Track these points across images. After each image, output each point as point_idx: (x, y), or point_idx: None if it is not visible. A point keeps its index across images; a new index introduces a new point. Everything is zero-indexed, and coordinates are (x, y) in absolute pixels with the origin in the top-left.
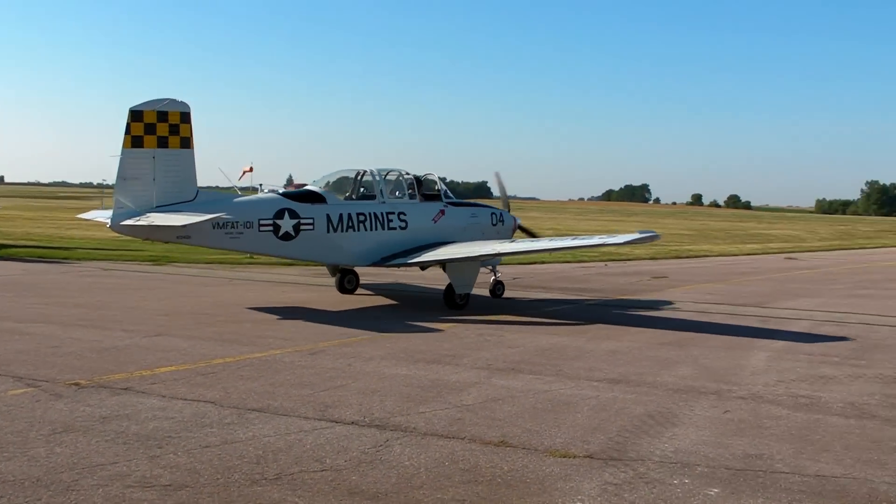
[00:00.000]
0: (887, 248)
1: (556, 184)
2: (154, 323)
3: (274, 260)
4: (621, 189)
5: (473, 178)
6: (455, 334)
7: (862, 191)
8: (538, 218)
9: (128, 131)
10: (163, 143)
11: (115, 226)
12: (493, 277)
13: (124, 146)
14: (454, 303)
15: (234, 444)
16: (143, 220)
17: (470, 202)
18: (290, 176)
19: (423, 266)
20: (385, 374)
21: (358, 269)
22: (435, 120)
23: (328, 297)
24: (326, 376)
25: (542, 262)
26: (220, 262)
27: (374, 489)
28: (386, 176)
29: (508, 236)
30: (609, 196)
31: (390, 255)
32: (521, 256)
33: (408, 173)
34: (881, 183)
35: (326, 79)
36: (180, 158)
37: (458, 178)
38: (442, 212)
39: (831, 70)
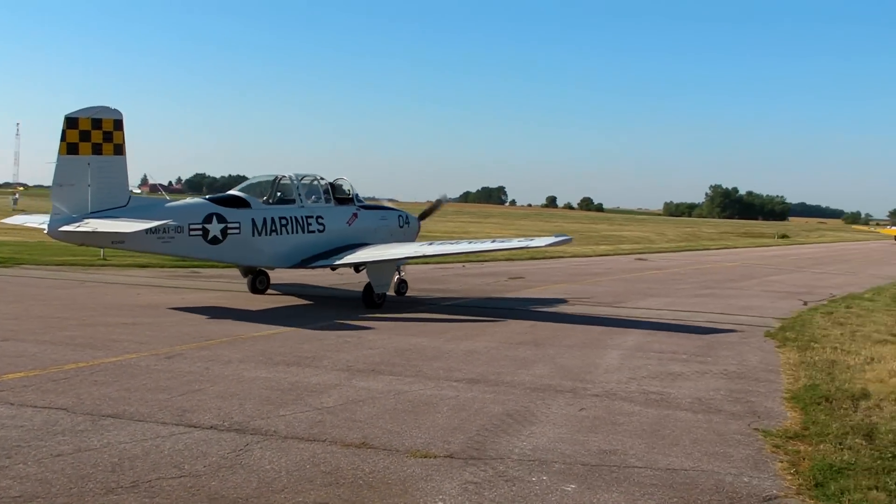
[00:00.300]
0: (729, 249)
1: (414, 185)
2: (1, 327)
3: (128, 261)
4: (478, 191)
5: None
6: (314, 336)
7: (706, 194)
8: None
9: (63, 138)
10: (97, 149)
11: (53, 232)
12: (398, 276)
13: (60, 153)
14: (373, 302)
15: (87, 451)
16: (84, 227)
17: (379, 206)
18: (146, 175)
19: (335, 267)
20: (244, 377)
21: (280, 272)
22: (279, 119)
23: (191, 297)
24: (184, 380)
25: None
26: (71, 264)
27: (235, 494)
28: (302, 180)
29: (413, 238)
30: (466, 198)
31: (310, 256)
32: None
33: (322, 178)
34: (724, 187)
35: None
36: (114, 165)
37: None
38: (355, 215)
39: (678, 79)
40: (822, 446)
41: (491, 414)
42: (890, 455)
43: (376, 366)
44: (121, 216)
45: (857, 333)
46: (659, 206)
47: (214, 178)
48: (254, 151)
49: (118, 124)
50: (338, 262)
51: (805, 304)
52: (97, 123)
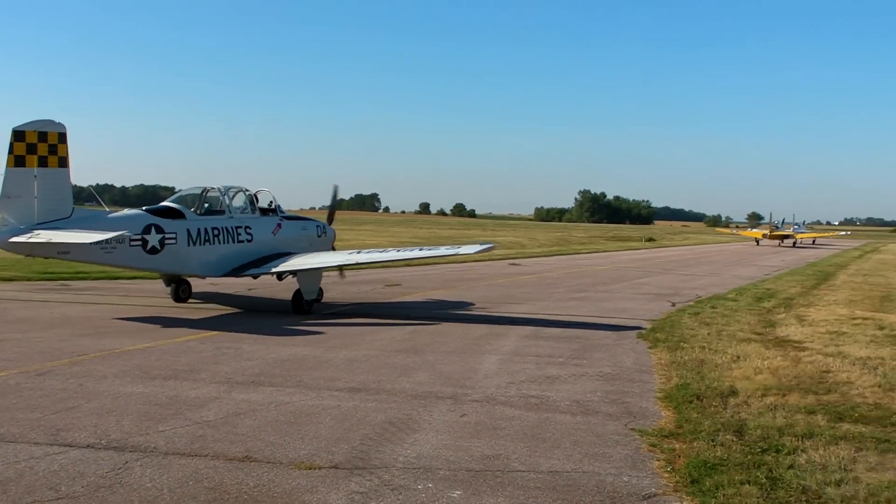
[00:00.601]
0: (599, 252)
1: (287, 193)
2: None
3: None
4: (352, 198)
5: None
6: (191, 348)
7: (575, 199)
8: None
9: (10, 150)
10: (42, 162)
11: (3, 242)
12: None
13: (8, 165)
14: (301, 308)
15: None
16: (36, 238)
17: (298, 216)
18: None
19: (257, 276)
20: (120, 392)
21: (205, 280)
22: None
23: (62, 311)
24: (57, 398)
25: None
26: None
27: None
28: (229, 192)
29: (329, 247)
30: (340, 205)
31: (240, 266)
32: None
33: (248, 189)
34: (592, 192)
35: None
36: (59, 177)
37: (177, 184)
38: (279, 225)
39: (547, 85)
40: (695, 444)
41: (374, 422)
42: (759, 450)
43: (256, 377)
44: (66, 227)
45: (722, 333)
46: (530, 212)
47: (124, 188)
48: (156, 160)
49: (62, 137)
50: (274, 270)
51: (673, 305)
52: (43, 136)
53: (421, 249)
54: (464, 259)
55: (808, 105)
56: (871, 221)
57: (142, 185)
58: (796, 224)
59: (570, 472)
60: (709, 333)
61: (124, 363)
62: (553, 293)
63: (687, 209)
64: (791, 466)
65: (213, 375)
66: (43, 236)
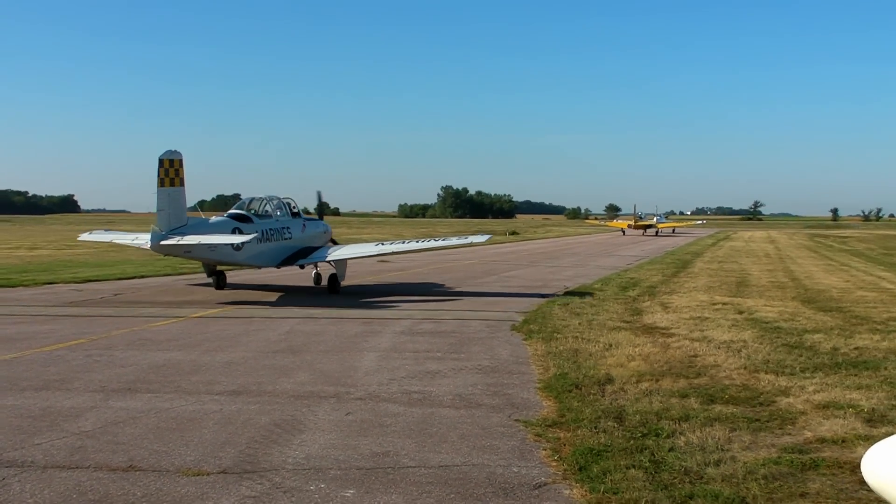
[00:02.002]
0: (464, 248)
1: (146, 196)
2: None
3: None
4: (214, 199)
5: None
6: (61, 357)
7: (438, 195)
8: (132, 231)
9: (158, 175)
10: (172, 182)
11: (156, 246)
12: (316, 270)
13: (158, 186)
14: (335, 289)
15: None
16: (185, 241)
17: (311, 217)
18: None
19: (304, 265)
20: None
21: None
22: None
23: None
24: None
25: (142, 277)
26: None
27: None
28: (272, 200)
29: (328, 241)
30: (202, 206)
31: (285, 258)
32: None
33: (283, 197)
34: (454, 187)
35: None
36: (180, 194)
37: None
38: (304, 225)
39: (405, 82)
40: (579, 431)
41: (259, 425)
42: (640, 434)
43: (132, 384)
44: (191, 232)
45: (593, 322)
46: (394, 209)
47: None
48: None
49: (180, 163)
50: (328, 259)
51: (543, 297)
52: (171, 163)
53: (436, 240)
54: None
55: (659, 101)
56: (720, 211)
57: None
58: (657, 215)
59: (459, 466)
60: (580, 324)
61: None
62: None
63: (547, 202)
64: (671, 449)
65: (87, 384)
66: (196, 240)
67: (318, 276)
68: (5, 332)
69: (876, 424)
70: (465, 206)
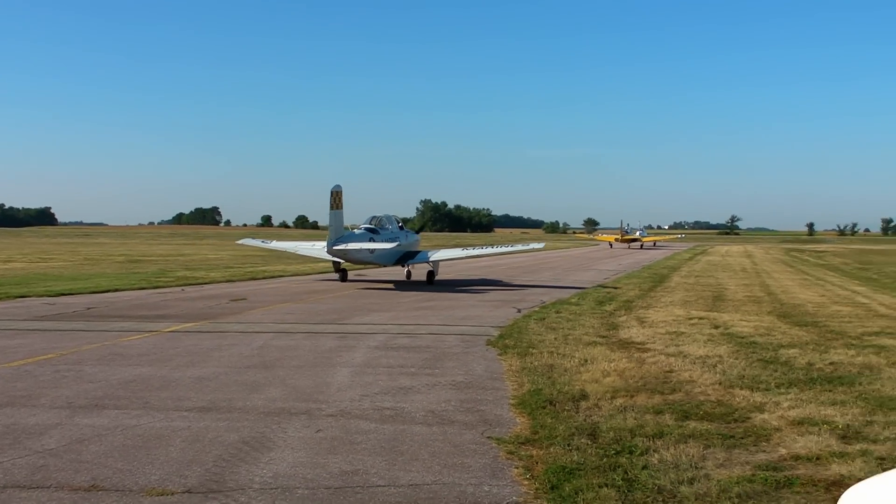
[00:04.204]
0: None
1: (123, 208)
2: None
3: None
4: (192, 212)
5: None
6: (29, 372)
7: (417, 209)
8: (108, 244)
9: (329, 202)
10: (337, 206)
11: (329, 250)
12: (408, 269)
13: (330, 209)
14: (432, 281)
15: None
16: (352, 245)
17: (405, 229)
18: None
19: (413, 265)
20: None
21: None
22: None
23: None
24: None
25: (117, 290)
26: None
27: None
28: (385, 216)
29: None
30: (180, 219)
31: (398, 258)
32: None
33: (391, 215)
34: (433, 201)
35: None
36: (341, 214)
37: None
38: (407, 235)
39: (382, 98)
40: (552, 449)
41: (227, 443)
42: (613, 452)
43: (100, 400)
44: (351, 240)
45: (569, 337)
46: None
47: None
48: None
49: (341, 193)
50: (431, 259)
51: (519, 311)
52: (337, 193)
53: (507, 246)
54: (309, 272)
55: (635, 117)
56: (698, 225)
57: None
58: (640, 229)
59: (430, 485)
60: (555, 338)
61: None
62: (400, 303)
63: (526, 216)
64: (645, 467)
65: (54, 400)
66: (354, 246)
67: (409, 273)
68: None
69: (851, 441)
70: (443, 219)
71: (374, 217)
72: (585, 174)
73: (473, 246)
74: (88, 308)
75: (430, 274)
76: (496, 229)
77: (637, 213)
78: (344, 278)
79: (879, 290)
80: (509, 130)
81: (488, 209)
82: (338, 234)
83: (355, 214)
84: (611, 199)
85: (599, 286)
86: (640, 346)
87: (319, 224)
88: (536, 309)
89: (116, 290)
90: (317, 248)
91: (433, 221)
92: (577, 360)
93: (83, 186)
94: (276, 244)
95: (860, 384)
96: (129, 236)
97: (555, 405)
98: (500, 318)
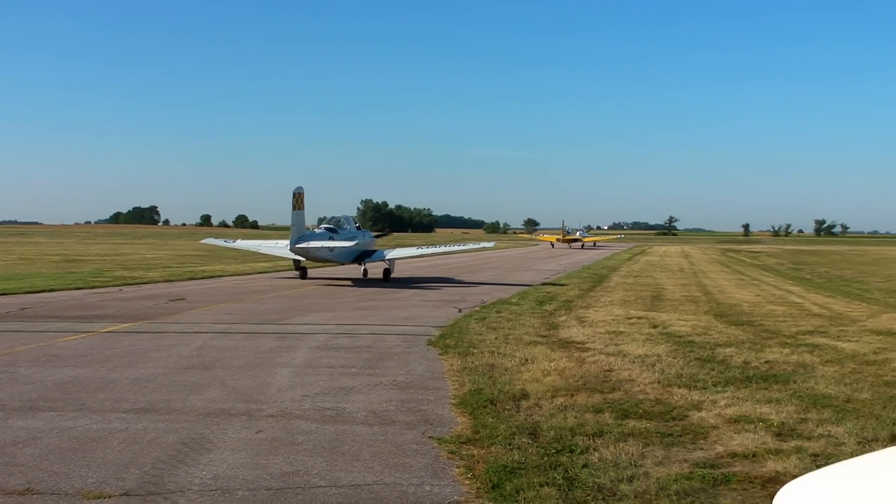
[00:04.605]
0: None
1: (60, 207)
2: None
3: None
4: (130, 211)
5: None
6: None
7: (358, 208)
8: (43, 243)
9: (292, 202)
10: (299, 206)
11: (292, 248)
12: (364, 267)
13: (293, 209)
14: (388, 279)
15: None
16: (314, 244)
17: (362, 229)
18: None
19: (368, 262)
20: None
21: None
22: None
23: None
24: None
25: (52, 290)
26: None
27: None
28: (344, 216)
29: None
30: (117, 219)
31: (356, 257)
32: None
33: (348, 216)
34: (374, 201)
35: None
36: (302, 215)
37: None
38: (363, 234)
39: (320, 97)
40: (493, 448)
41: (165, 444)
42: (554, 451)
43: (34, 402)
44: (311, 239)
45: (509, 336)
46: (312, 221)
47: None
48: None
49: (303, 194)
50: (387, 258)
51: (460, 311)
52: (299, 194)
53: (459, 245)
54: (248, 271)
55: (574, 118)
56: (636, 225)
57: None
58: (581, 229)
59: (371, 485)
60: (496, 338)
61: None
62: (341, 303)
63: (467, 217)
64: (585, 465)
65: None
66: (315, 244)
67: (365, 271)
68: None
69: (786, 438)
70: (384, 219)
71: (332, 217)
72: (526, 175)
73: (419, 245)
74: (23, 308)
75: (387, 272)
76: (437, 229)
77: (577, 213)
78: (304, 276)
79: (812, 290)
80: (450, 131)
81: (429, 209)
82: (300, 233)
83: (286, 215)
84: (551, 200)
85: (540, 286)
86: (580, 346)
87: (260, 224)
88: (477, 309)
89: (52, 291)
90: (280, 247)
91: (374, 221)
92: (517, 360)
93: (17, 185)
94: (241, 243)
95: (794, 382)
96: (66, 235)
97: (496, 404)
98: (441, 317)
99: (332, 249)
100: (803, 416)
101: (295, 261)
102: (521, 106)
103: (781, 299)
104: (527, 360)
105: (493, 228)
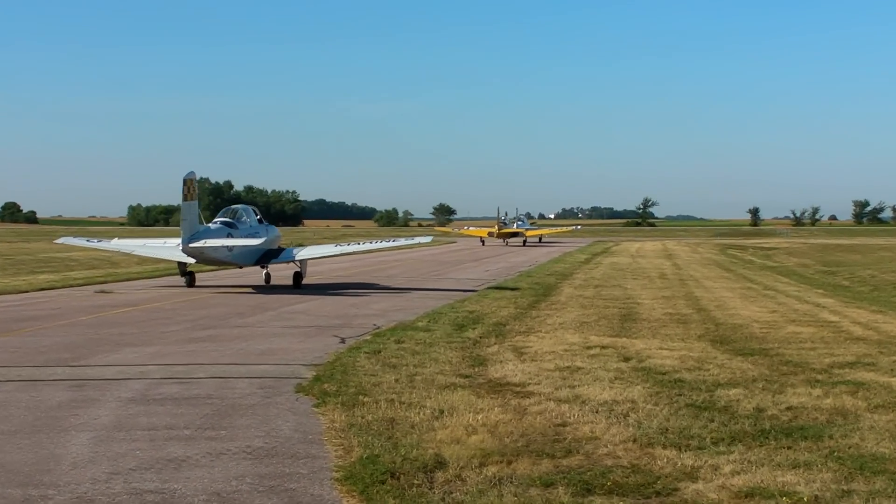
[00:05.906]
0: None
1: None
2: None
3: None
4: None
5: None
6: None
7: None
8: None
9: (182, 191)
10: (190, 197)
11: (185, 248)
12: (266, 270)
13: (182, 200)
14: (299, 285)
15: None
16: (210, 243)
17: (266, 223)
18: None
19: (265, 265)
20: None
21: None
22: None
23: None
24: None
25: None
26: None
27: None
28: (244, 209)
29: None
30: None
31: (259, 257)
32: None
33: (249, 206)
34: (212, 181)
35: None
36: (195, 206)
37: None
38: (267, 230)
39: (158, 78)
40: None
41: None
42: None
43: None
44: (206, 237)
45: (416, 377)
46: (123, 213)
47: None
48: None
49: (195, 180)
50: (296, 258)
51: (343, 341)
52: (190, 181)
53: (384, 241)
54: (23, 288)
55: (499, 89)
56: (596, 212)
57: None
58: (520, 219)
59: None
60: (397, 380)
61: None
62: (167, 332)
63: (350, 203)
64: None
65: None
66: (212, 243)
67: (268, 276)
68: None
69: None
70: (227, 206)
71: (228, 209)
72: (434, 142)
73: (337, 242)
74: None
75: (297, 276)
76: (306, 221)
77: (511, 198)
78: (191, 283)
79: (852, 303)
80: (321, 78)
81: (295, 192)
82: (193, 229)
83: (93, 204)
84: (472, 179)
85: (458, 303)
86: (518, 390)
87: (39, 216)
88: (368, 338)
89: None
90: (168, 247)
91: (213, 210)
92: (429, 412)
93: None
94: (116, 243)
95: (831, 438)
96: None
97: (398, 478)
98: (314, 350)
99: (230, 249)
100: (845, 488)
101: (181, 264)
102: (419, 48)
103: (808, 317)
104: (442, 411)
105: (390, 219)
